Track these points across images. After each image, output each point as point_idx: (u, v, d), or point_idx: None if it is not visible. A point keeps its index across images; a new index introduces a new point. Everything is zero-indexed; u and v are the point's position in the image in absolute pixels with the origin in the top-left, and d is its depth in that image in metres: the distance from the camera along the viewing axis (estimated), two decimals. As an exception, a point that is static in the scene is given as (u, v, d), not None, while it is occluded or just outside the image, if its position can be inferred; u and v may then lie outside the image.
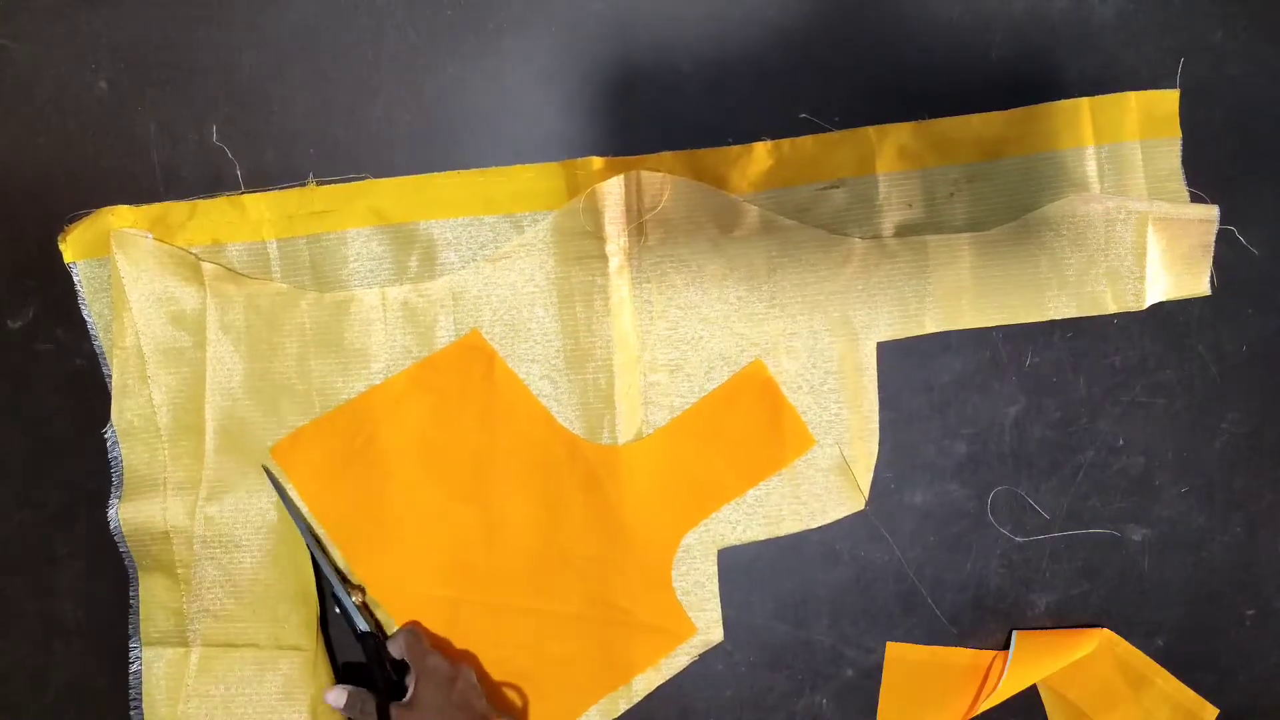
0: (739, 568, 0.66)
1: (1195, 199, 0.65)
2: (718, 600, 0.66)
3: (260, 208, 0.64)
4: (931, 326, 0.65)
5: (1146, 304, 0.65)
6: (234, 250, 0.64)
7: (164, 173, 0.64)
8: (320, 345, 0.64)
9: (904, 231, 0.65)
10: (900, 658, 0.67)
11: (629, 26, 0.64)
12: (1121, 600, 0.67)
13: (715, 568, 0.66)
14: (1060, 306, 0.65)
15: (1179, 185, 0.65)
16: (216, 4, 0.64)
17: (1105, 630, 0.67)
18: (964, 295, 0.65)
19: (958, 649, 0.68)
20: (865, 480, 0.66)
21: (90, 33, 0.64)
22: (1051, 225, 0.64)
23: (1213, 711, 0.68)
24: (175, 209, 0.64)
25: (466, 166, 0.64)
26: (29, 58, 0.64)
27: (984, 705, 0.66)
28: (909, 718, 0.68)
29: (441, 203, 0.64)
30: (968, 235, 0.64)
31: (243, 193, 0.64)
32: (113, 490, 0.65)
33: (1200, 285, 0.65)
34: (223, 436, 0.64)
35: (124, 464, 0.65)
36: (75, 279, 0.64)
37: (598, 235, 0.63)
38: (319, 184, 0.64)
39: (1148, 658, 0.67)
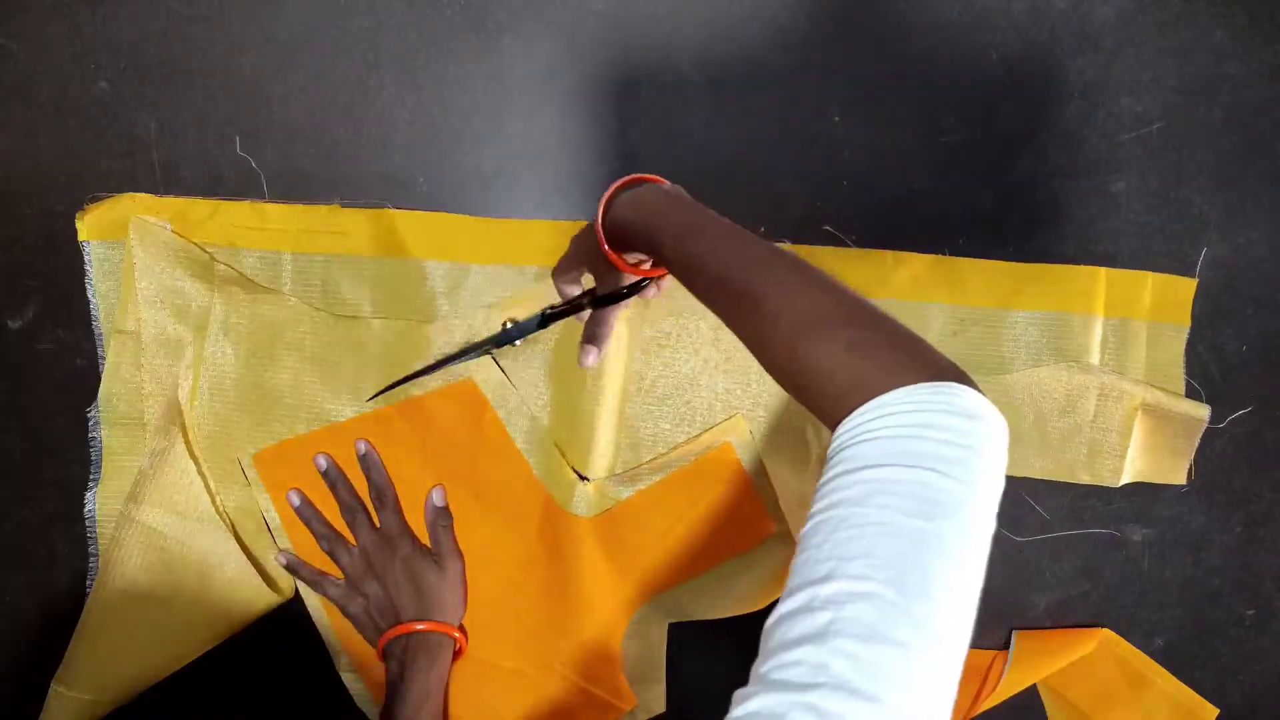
0: (739, 568, 0.66)
1: (1194, 198, 0.65)
2: (663, 672, 0.66)
3: (282, 218, 0.64)
4: None
5: (1120, 483, 0.65)
6: (249, 256, 0.64)
7: (164, 173, 0.64)
8: (318, 364, 0.64)
9: None
10: (900, 658, 0.67)
11: (629, 26, 0.64)
12: (1121, 600, 0.67)
13: (664, 640, 0.66)
14: (1035, 466, 0.65)
15: (1178, 373, 0.66)
16: (216, 4, 0.64)
17: (1105, 630, 0.67)
18: None
19: (958, 649, 0.67)
20: None
21: (90, 33, 0.64)
22: (1044, 386, 0.65)
23: (1213, 711, 0.68)
24: (197, 205, 0.64)
25: (465, 167, 0.64)
26: (29, 58, 0.64)
27: (984, 705, 0.66)
28: (909, 718, 0.68)
29: (461, 244, 0.64)
30: None
31: (266, 200, 0.64)
32: (91, 473, 0.65)
33: (1178, 475, 0.66)
34: (204, 436, 0.64)
35: (103, 448, 0.65)
36: (86, 258, 0.64)
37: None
38: (343, 205, 0.64)
39: (1148, 658, 0.67)
